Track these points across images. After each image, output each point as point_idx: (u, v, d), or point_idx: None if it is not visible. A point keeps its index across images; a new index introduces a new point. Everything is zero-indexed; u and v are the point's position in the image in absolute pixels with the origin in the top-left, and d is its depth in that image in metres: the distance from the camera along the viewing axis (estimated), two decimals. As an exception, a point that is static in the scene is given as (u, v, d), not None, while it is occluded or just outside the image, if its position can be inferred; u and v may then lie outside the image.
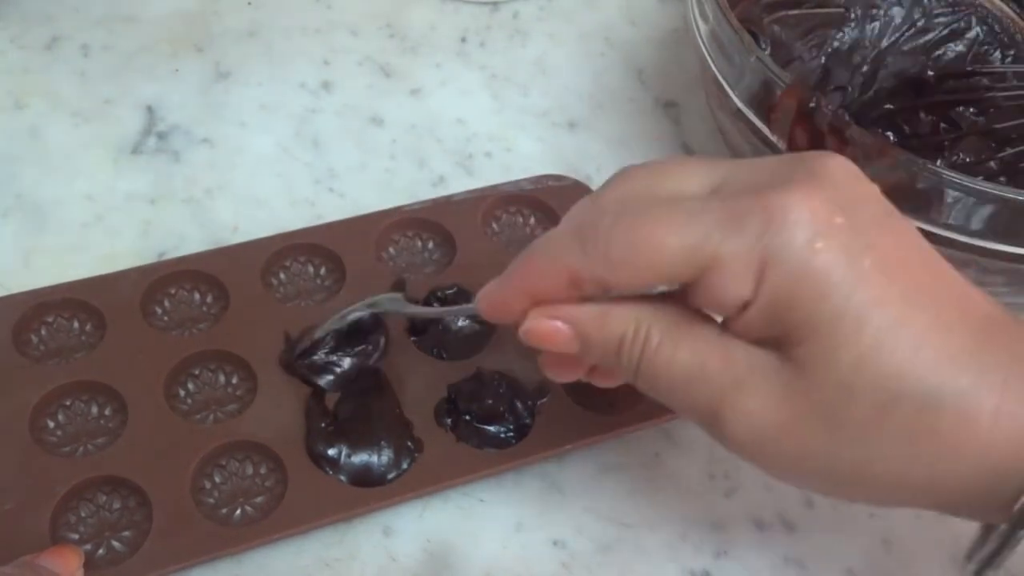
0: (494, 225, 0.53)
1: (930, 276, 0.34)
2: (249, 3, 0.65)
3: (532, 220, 0.54)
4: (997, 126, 0.54)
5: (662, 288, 0.36)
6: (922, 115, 0.55)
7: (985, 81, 0.56)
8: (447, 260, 0.51)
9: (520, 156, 0.58)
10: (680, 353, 0.35)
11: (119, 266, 0.49)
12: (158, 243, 0.52)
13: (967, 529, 0.45)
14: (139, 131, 0.57)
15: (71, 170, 0.55)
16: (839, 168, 0.34)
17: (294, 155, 0.57)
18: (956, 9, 0.58)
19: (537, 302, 0.36)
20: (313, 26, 0.64)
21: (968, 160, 0.53)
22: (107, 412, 0.45)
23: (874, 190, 0.35)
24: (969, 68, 0.57)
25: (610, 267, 0.34)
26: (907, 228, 0.35)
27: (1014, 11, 0.58)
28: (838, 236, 0.32)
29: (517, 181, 0.54)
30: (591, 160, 0.58)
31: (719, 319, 0.35)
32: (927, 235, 0.43)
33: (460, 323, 0.48)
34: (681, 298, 0.35)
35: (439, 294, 0.48)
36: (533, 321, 0.36)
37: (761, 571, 0.44)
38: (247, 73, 0.61)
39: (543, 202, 0.54)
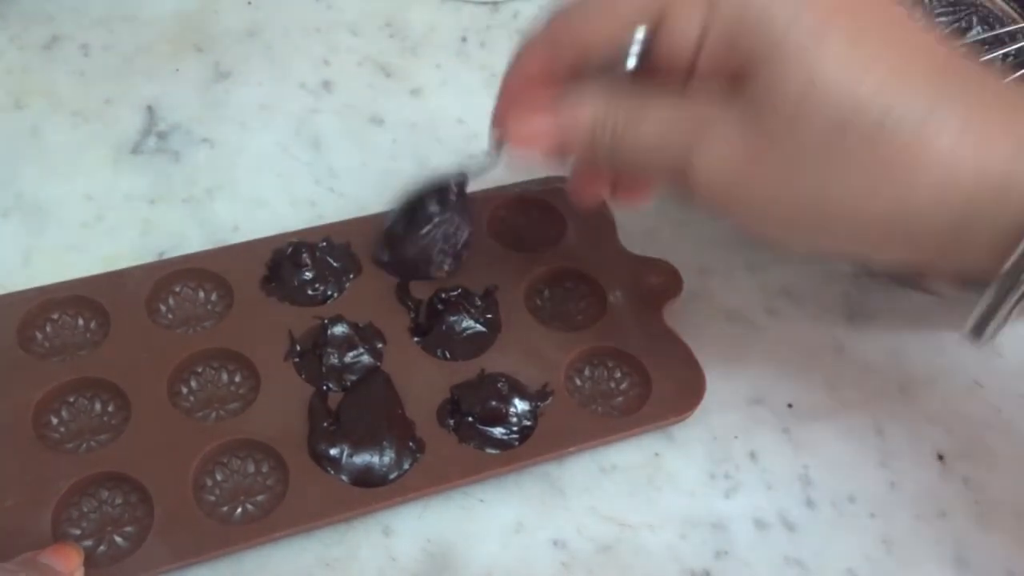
0: (500, 226, 0.53)
1: (888, 18, 0.35)
2: (249, 3, 0.65)
3: (538, 222, 0.53)
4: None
5: (631, 60, 0.38)
6: None
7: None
8: (451, 262, 0.51)
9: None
10: (645, 127, 0.37)
11: (119, 266, 0.49)
12: (158, 243, 0.52)
13: (967, 529, 0.46)
14: (139, 131, 0.57)
15: (71, 170, 0.55)
16: None
17: (294, 155, 0.57)
18: (957, 9, 0.58)
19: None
20: (313, 26, 0.64)
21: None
22: (110, 409, 0.45)
23: None
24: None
25: (584, 19, 0.38)
26: None
27: (1015, 11, 0.58)
28: None
29: (524, 182, 0.54)
30: (591, 161, 0.58)
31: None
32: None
33: (464, 324, 0.48)
34: (646, 73, 0.38)
35: (443, 296, 0.48)
36: (517, 122, 0.40)
37: (761, 571, 0.44)
38: (247, 73, 0.61)
39: (550, 204, 0.53)
